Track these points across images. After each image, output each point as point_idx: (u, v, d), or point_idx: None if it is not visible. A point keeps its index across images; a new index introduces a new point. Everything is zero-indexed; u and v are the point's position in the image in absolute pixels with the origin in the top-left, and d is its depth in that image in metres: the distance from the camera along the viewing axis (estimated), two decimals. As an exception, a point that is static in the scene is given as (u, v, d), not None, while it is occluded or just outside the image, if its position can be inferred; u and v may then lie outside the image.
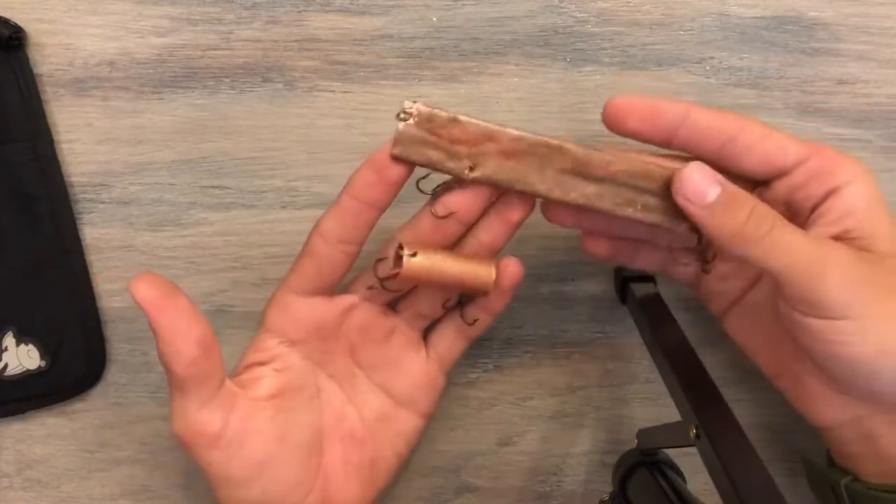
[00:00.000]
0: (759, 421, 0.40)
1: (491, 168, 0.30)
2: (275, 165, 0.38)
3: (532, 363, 0.40)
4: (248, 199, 0.38)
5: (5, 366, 0.37)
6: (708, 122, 0.29)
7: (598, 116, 0.37)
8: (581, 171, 0.30)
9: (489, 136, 0.30)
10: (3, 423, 0.39)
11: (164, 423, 0.39)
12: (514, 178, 0.30)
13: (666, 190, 0.30)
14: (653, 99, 0.30)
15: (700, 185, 0.29)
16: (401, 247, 0.31)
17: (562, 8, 0.38)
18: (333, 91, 0.38)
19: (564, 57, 0.38)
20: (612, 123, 0.30)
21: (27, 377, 0.37)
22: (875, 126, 0.38)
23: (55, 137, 0.37)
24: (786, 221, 0.28)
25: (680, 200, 0.29)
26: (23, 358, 0.37)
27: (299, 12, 0.37)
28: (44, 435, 0.39)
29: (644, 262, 0.35)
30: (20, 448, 0.39)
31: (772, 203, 0.29)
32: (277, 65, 0.38)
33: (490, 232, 0.32)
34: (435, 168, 0.30)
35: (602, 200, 0.30)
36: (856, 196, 0.29)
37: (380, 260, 0.33)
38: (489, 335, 0.39)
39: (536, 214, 0.39)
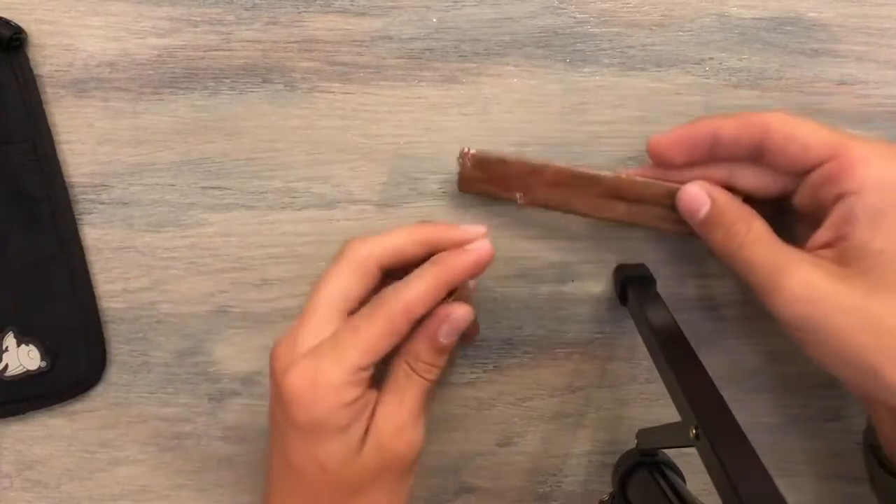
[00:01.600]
0: (758, 421, 0.40)
1: (538, 195, 0.36)
2: (275, 166, 0.38)
3: (532, 364, 0.40)
4: (248, 200, 0.38)
5: (6, 366, 0.37)
6: (733, 134, 0.31)
7: (598, 118, 0.38)
8: (615, 195, 0.35)
9: (534, 171, 0.36)
10: (3, 424, 0.39)
11: (163, 423, 0.39)
12: (559, 202, 0.36)
13: None
14: (683, 130, 0.33)
15: (692, 204, 0.33)
16: None
17: (562, 9, 0.38)
18: (333, 92, 0.38)
19: (564, 58, 0.38)
20: (661, 163, 0.34)
21: (28, 378, 0.37)
22: (874, 127, 0.38)
23: (55, 138, 0.38)
24: (761, 237, 0.31)
25: (684, 217, 0.33)
26: (23, 358, 0.37)
27: (299, 13, 0.37)
28: (44, 435, 0.39)
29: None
30: (20, 448, 0.39)
31: (802, 196, 0.31)
32: (277, 66, 0.38)
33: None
34: (493, 197, 0.37)
35: (635, 217, 0.36)
36: (858, 206, 0.29)
37: None
38: (489, 336, 0.39)
39: (538, 214, 0.39)
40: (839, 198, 0.29)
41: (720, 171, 0.33)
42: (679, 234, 0.35)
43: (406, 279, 0.32)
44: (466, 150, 0.36)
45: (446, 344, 0.33)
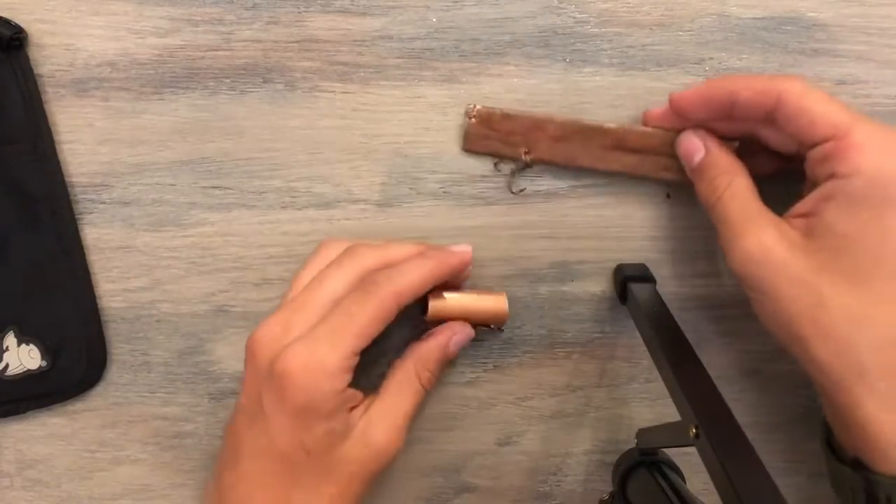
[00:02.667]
0: (758, 421, 0.40)
1: (543, 151, 0.37)
2: (275, 166, 0.38)
3: (532, 363, 0.40)
4: (248, 200, 0.38)
5: (6, 366, 0.37)
6: (749, 99, 0.32)
7: (598, 117, 0.38)
8: (620, 146, 0.36)
9: (538, 126, 0.36)
10: (3, 423, 0.39)
11: (164, 422, 0.39)
12: (565, 157, 0.37)
13: None
14: (703, 90, 0.34)
15: (688, 150, 0.35)
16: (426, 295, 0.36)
17: (561, 9, 0.38)
18: (334, 92, 0.38)
19: (564, 58, 0.38)
20: (681, 117, 0.35)
21: (28, 377, 0.37)
22: (874, 126, 0.38)
23: (56, 138, 0.38)
24: (739, 193, 0.33)
25: (682, 162, 0.36)
26: (24, 358, 0.37)
27: (300, 13, 0.37)
28: (44, 435, 0.39)
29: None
30: (21, 448, 0.39)
31: (805, 165, 0.32)
32: (278, 65, 0.38)
33: None
34: (497, 155, 0.37)
35: (640, 168, 0.37)
36: (840, 189, 0.30)
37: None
38: (488, 335, 0.39)
39: (539, 216, 0.39)
40: (830, 177, 0.30)
41: (740, 126, 0.34)
42: (682, 184, 0.36)
43: (398, 268, 0.33)
44: (473, 105, 0.37)
45: (453, 353, 0.36)
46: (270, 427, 0.31)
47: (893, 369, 0.29)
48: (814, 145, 0.31)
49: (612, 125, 0.36)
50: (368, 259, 0.34)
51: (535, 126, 0.36)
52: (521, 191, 0.38)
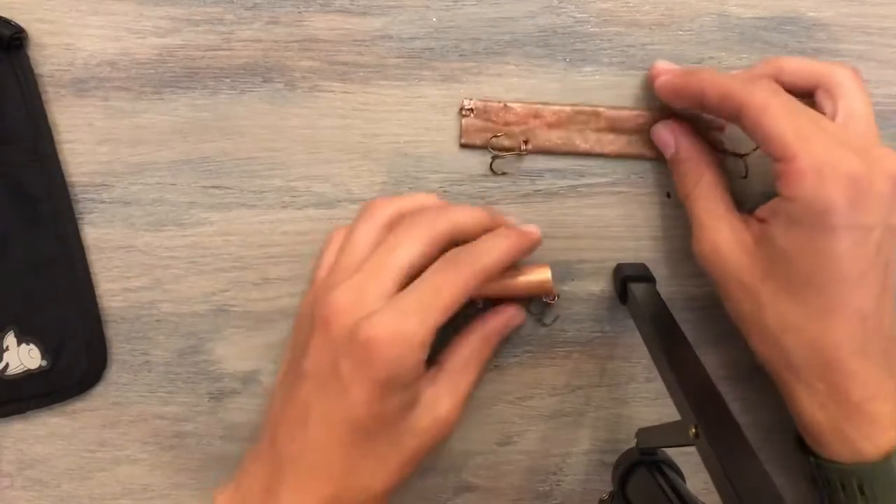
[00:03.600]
0: (758, 421, 0.40)
1: (541, 139, 0.38)
2: (275, 165, 0.38)
3: (531, 363, 0.40)
4: (248, 199, 0.38)
5: (6, 365, 0.37)
6: (714, 104, 0.33)
7: (598, 117, 0.37)
8: (615, 128, 0.38)
9: (534, 114, 0.37)
10: (4, 423, 0.39)
11: (164, 422, 0.39)
12: (562, 143, 0.38)
13: None
14: (676, 85, 0.35)
15: (659, 143, 0.37)
16: None
17: (561, 8, 0.38)
18: (333, 91, 0.38)
19: (564, 57, 0.38)
20: (664, 101, 0.36)
21: (28, 377, 0.37)
22: (874, 126, 0.38)
23: (56, 138, 0.38)
24: (704, 191, 0.35)
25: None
26: (24, 357, 0.37)
27: (300, 13, 0.37)
28: (45, 434, 0.39)
29: None
30: (21, 448, 0.39)
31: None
32: (278, 65, 0.38)
33: None
34: (496, 148, 0.38)
35: (634, 147, 0.38)
36: (783, 209, 0.31)
37: None
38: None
39: (539, 215, 0.39)
40: (778, 194, 0.32)
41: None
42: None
43: (481, 246, 0.33)
44: (470, 99, 0.37)
45: (505, 336, 0.38)
46: (349, 395, 0.31)
47: (825, 372, 0.32)
48: (771, 157, 0.32)
49: (605, 109, 0.37)
50: (440, 224, 0.33)
51: (531, 114, 0.37)
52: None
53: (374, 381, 0.30)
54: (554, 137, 0.38)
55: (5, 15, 0.36)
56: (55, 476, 0.39)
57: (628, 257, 0.39)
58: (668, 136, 0.36)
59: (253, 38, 0.37)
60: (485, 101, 0.37)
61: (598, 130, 0.38)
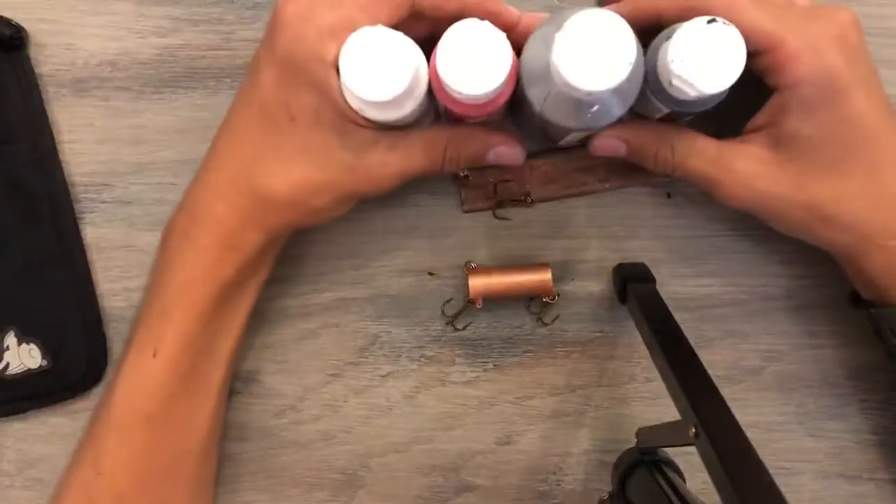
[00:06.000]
0: (757, 420, 0.40)
1: (542, 192, 0.38)
2: (275, 165, 0.38)
3: (531, 362, 0.40)
4: (248, 199, 0.38)
5: (7, 365, 0.37)
6: (676, 17, 0.30)
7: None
8: (611, 170, 0.38)
9: (529, 167, 0.38)
10: (4, 423, 0.39)
11: (165, 422, 0.39)
12: (566, 190, 0.38)
13: None
14: (629, 13, 0.31)
15: (608, 152, 0.34)
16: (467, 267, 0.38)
17: (561, 9, 0.38)
18: (334, 91, 0.38)
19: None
20: None
21: (29, 376, 0.37)
22: (874, 126, 0.38)
23: (56, 137, 0.38)
24: (690, 151, 0.33)
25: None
26: (24, 357, 0.37)
27: (300, 13, 0.37)
28: (45, 434, 0.39)
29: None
30: (22, 447, 0.39)
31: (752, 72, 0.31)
32: (278, 65, 0.38)
33: None
34: (500, 206, 0.38)
35: (640, 176, 0.38)
36: (791, 98, 0.31)
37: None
38: (489, 335, 0.39)
39: (539, 215, 0.39)
40: (776, 88, 0.31)
41: None
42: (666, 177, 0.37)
43: None
44: (464, 173, 0.38)
45: (490, 161, 0.34)
46: (259, 76, 0.32)
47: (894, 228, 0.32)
48: (753, 53, 0.30)
49: (599, 161, 0.37)
50: None
51: (526, 167, 0.37)
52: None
53: (274, 59, 0.31)
54: (553, 189, 0.38)
55: (6, 15, 0.36)
56: (56, 475, 0.39)
57: (628, 257, 0.39)
58: (609, 141, 0.34)
59: (253, 38, 0.37)
60: (475, 169, 0.38)
61: (599, 181, 0.38)
